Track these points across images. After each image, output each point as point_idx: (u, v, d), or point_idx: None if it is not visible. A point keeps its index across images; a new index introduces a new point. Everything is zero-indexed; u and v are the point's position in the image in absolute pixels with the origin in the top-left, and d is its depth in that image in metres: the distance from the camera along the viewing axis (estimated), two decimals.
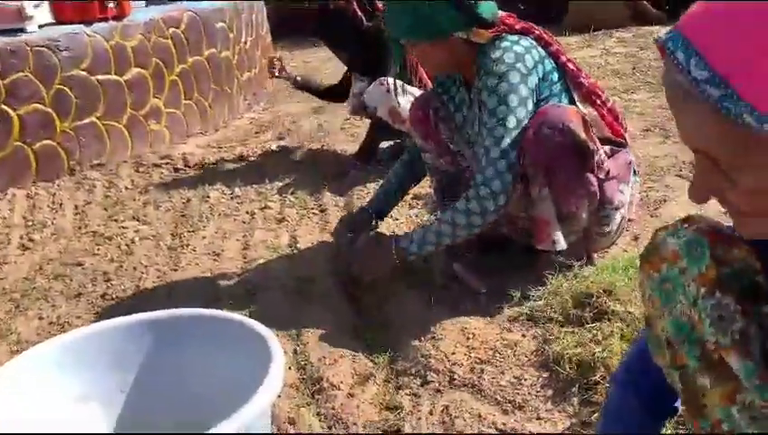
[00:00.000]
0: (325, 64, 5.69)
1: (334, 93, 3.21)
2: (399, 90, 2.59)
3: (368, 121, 3.04)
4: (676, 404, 0.96)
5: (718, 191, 0.65)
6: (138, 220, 2.57)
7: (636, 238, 2.01)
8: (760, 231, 0.66)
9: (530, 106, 1.64)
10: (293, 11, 7.12)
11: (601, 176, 1.68)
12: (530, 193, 1.70)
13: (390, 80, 2.65)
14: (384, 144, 3.02)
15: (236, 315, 1.11)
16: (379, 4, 2.87)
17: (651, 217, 2.15)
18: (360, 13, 2.79)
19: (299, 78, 3.26)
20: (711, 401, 0.74)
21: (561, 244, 1.72)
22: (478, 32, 1.67)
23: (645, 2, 5.87)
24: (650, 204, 2.24)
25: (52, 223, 2.61)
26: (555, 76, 1.70)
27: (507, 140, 1.62)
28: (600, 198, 1.70)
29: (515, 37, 1.68)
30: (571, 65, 1.74)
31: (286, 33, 6.61)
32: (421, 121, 1.93)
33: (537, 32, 1.74)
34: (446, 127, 1.90)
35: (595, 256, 1.87)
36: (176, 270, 2.13)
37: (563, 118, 1.60)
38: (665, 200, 2.25)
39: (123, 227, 2.50)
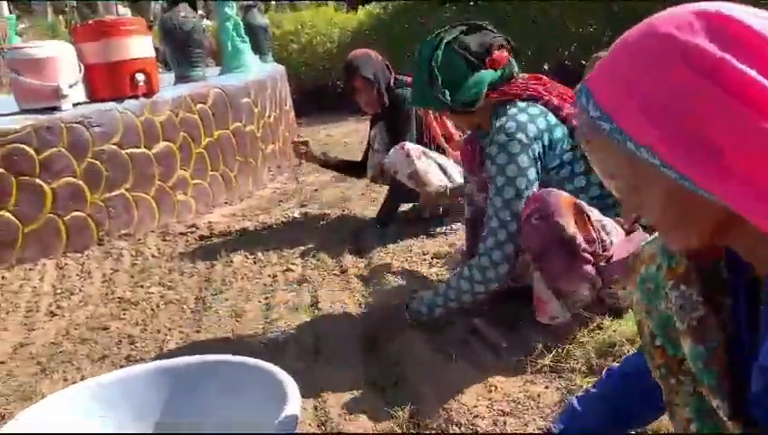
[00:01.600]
0: (347, 138, 5.85)
1: (358, 168, 3.28)
2: (420, 154, 2.67)
3: (386, 188, 3.11)
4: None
5: (639, 210, 0.72)
6: (163, 286, 2.61)
7: None
8: (681, 243, 0.72)
9: (531, 175, 1.67)
10: (315, 88, 7.41)
11: (602, 263, 1.64)
12: None
13: (410, 144, 2.73)
14: (403, 207, 3.07)
15: (253, 360, 1.12)
16: (407, 77, 3.00)
17: None
18: (389, 77, 2.93)
19: (322, 156, 3.33)
20: (680, 399, 0.81)
21: (562, 318, 1.70)
22: (466, 109, 1.76)
23: None
24: None
25: (80, 290, 2.66)
26: (566, 144, 1.72)
27: (506, 211, 1.67)
28: (605, 279, 1.66)
29: (524, 104, 1.72)
30: None
31: (307, 108, 6.85)
32: (467, 155, 2.01)
33: (546, 97, 1.77)
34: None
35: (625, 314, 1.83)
36: (198, 332, 2.15)
37: (554, 209, 1.58)
38: None
39: (149, 293, 2.55)
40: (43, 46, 3.16)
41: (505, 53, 1.79)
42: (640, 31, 0.66)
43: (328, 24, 8.08)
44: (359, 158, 3.37)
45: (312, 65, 7.91)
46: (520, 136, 1.66)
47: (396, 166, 2.74)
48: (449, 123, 2.88)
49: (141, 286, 2.63)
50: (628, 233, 1.72)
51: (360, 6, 8.76)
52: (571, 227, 1.59)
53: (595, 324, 1.74)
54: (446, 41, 1.74)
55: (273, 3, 20.77)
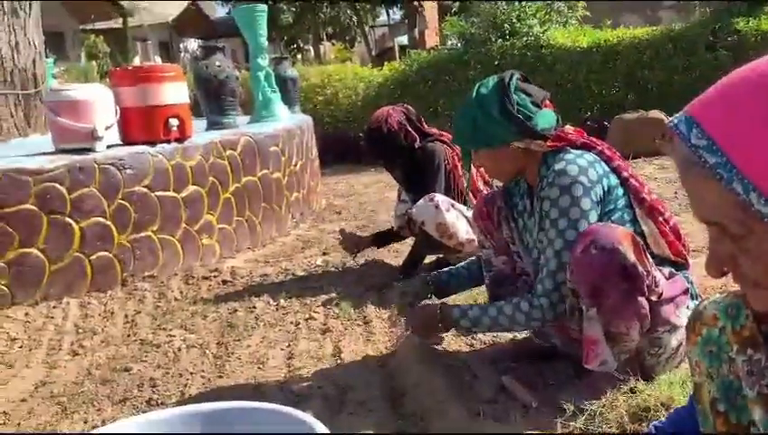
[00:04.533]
0: (369, 187, 5.91)
1: (395, 236, 3.27)
2: (448, 205, 2.67)
3: (410, 239, 3.12)
4: None
5: (731, 262, 0.66)
6: (185, 329, 2.60)
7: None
8: None
9: (592, 219, 1.66)
10: (339, 138, 7.53)
11: (654, 298, 1.63)
12: (581, 308, 1.68)
13: (438, 196, 2.74)
14: (428, 259, 3.06)
15: (283, 407, 1.10)
16: (432, 128, 3.04)
17: None
18: (413, 132, 2.94)
19: (367, 239, 3.29)
20: None
21: (610, 364, 1.66)
22: (536, 142, 1.73)
23: None
24: None
25: (103, 330, 2.66)
26: (620, 191, 1.73)
27: (567, 253, 1.64)
28: (652, 320, 1.64)
29: (578, 151, 1.74)
30: (633, 181, 1.75)
31: (330, 159, 6.95)
32: (484, 217, 1.99)
33: (600, 147, 1.78)
34: (508, 227, 1.94)
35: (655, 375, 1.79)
36: (221, 377, 2.13)
37: (613, 238, 1.57)
38: None
39: (171, 336, 2.54)
40: (81, 89, 3.25)
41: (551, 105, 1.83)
42: (761, 70, 0.62)
43: (353, 77, 8.26)
44: (379, 208, 3.37)
45: (337, 117, 8.06)
46: (582, 179, 1.66)
47: (423, 216, 2.75)
48: (478, 179, 2.89)
49: (164, 329, 2.62)
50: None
51: (386, 62, 8.96)
52: (632, 256, 1.57)
53: (628, 388, 1.69)
54: (511, 82, 1.76)
55: (300, 56, 21.35)
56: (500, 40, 7.16)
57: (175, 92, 3.34)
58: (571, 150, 1.73)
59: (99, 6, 17.77)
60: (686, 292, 1.73)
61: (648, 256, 1.64)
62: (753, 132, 0.59)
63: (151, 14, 20.98)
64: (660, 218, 1.74)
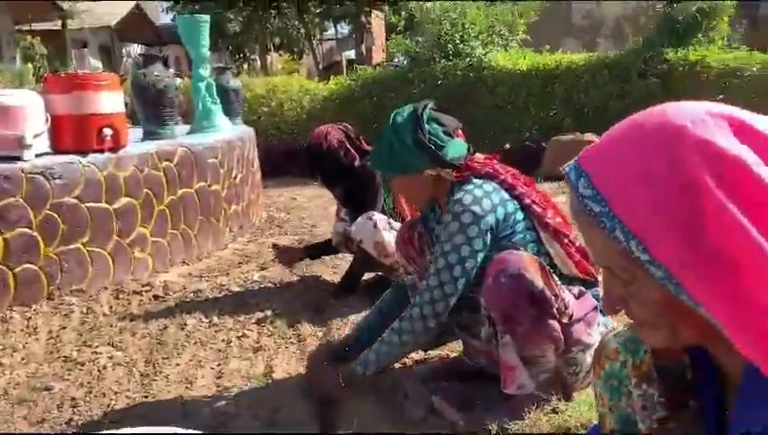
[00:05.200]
0: (312, 201, 5.88)
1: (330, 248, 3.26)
2: (386, 224, 2.69)
3: (349, 255, 3.12)
4: None
5: (622, 303, 0.70)
6: (112, 346, 2.53)
7: None
8: (661, 344, 0.70)
9: (477, 246, 1.72)
10: (283, 151, 7.48)
11: (565, 320, 1.70)
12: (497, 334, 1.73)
13: (377, 215, 2.76)
14: (365, 277, 3.07)
15: (178, 430, 1.09)
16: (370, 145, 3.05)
17: None
18: (353, 151, 2.94)
19: (300, 252, 3.29)
20: None
21: (528, 387, 1.71)
22: (446, 171, 1.81)
23: None
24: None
25: (24, 347, 2.55)
26: (519, 216, 1.79)
27: (446, 273, 1.73)
28: (566, 341, 1.70)
29: (480, 181, 1.80)
30: (535, 207, 1.81)
31: (273, 171, 6.89)
32: (406, 243, 2.04)
33: (503, 176, 1.84)
34: (429, 252, 1.97)
35: (575, 394, 1.85)
36: (146, 397, 2.07)
37: (520, 266, 1.64)
38: None
39: (96, 353, 2.46)
40: (11, 95, 3.13)
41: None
42: (651, 121, 0.64)
43: (299, 90, 8.24)
44: (321, 223, 3.37)
45: (281, 129, 8.01)
46: (474, 208, 1.73)
47: (362, 235, 2.75)
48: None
49: (89, 346, 2.53)
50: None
51: (333, 76, 8.99)
52: (539, 281, 1.63)
53: (550, 408, 1.74)
54: (424, 112, 1.80)
55: (246, 66, 21.14)
56: (443, 60, 7.28)
57: (110, 101, 3.26)
58: (474, 180, 1.80)
59: (37, 7, 17.15)
60: (595, 309, 1.81)
61: (556, 280, 1.71)
62: (632, 186, 0.62)
63: (93, 17, 20.38)
64: (566, 240, 1.80)
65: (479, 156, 1.91)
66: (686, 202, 0.59)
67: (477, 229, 1.72)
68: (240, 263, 3.77)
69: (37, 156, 3.08)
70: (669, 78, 6.58)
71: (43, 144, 3.15)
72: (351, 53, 20.30)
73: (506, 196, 1.79)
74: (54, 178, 3.03)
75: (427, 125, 1.79)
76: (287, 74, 16.19)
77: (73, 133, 3.19)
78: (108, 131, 3.20)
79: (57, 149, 3.21)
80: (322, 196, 6.04)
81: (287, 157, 7.42)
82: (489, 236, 1.74)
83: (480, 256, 1.73)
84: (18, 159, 3.00)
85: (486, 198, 1.75)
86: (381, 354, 1.83)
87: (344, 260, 3.34)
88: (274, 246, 3.31)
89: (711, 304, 0.59)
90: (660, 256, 0.61)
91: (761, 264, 0.57)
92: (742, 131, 0.61)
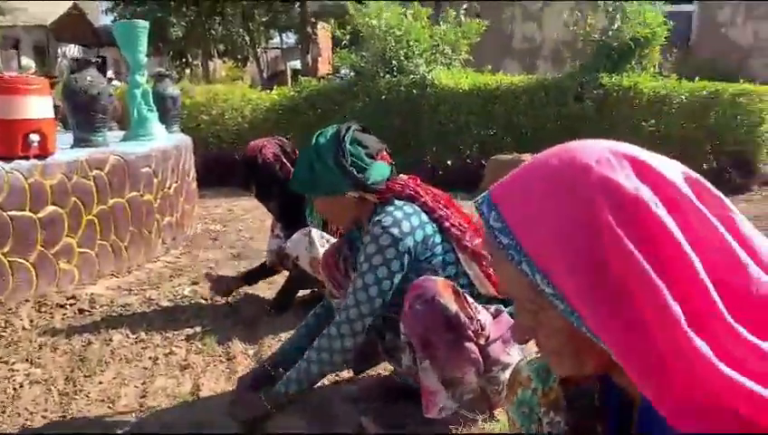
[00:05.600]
0: (249, 213, 5.80)
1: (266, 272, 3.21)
2: (322, 240, 2.68)
3: (285, 272, 3.08)
4: None
5: (531, 332, 0.72)
6: (30, 362, 2.42)
7: None
8: (568, 372, 0.72)
9: (394, 267, 1.74)
10: (222, 161, 7.36)
11: (482, 341, 1.73)
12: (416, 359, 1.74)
13: (314, 231, 2.74)
14: (300, 293, 3.04)
15: None
16: None
17: None
18: (288, 165, 2.91)
19: (235, 280, 3.18)
20: None
21: (450, 409, 1.74)
22: (368, 193, 1.82)
23: None
24: None
25: None
26: (437, 238, 1.82)
27: (363, 293, 1.75)
28: (485, 361, 1.74)
29: (401, 203, 1.82)
30: (454, 230, 1.83)
31: (212, 180, 6.77)
32: (331, 267, 2.02)
33: (423, 199, 1.86)
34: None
35: (496, 412, 1.88)
36: (64, 417, 1.99)
37: (434, 291, 1.67)
38: None
39: (13, 370, 2.34)
40: None
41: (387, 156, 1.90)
42: (558, 158, 0.67)
43: (241, 99, 8.13)
44: (257, 236, 3.32)
45: (222, 138, 7.88)
46: (393, 230, 1.74)
47: (298, 251, 2.73)
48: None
49: (5, 362, 2.42)
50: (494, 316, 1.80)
51: (277, 86, 8.92)
52: (453, 305, 1.67)
53: (477, 428, 1.76)
54: (347, 134, 1.80)
55: (188, 72, 20.79)
56: (388, 75, 7.33)
57: (38, 106, 3.14)
58: (396, 202, 1.82)
59: None
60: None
61: (471, 302, 1.73)
62: (537, 220, 0.65)
63: (27, 15, 19.64)
64: (484, 262, 1.84)
65: (402, 177, 1.93)
66: (588, 238, 0.61)
67: (395, 251, 1.73)
68: (171, 276, 3.67)
69: None
70: (604, 102, 6.82)
71: None
72: (297, 63, 20.23)
73: (426, 218, 1.81)
74: None
75: (350, 147, 1.80)
76: (231, 81, 15.99)
77: None
78: (35, 137, 3.08)
79: None
80: (260, 207, 5.94)
81: (226, 167, 7.30)
82: (407, 257, 1.75)
83: (397, 278, 1.75)
84: None
85: (406, 220, 1.76)
86: (301, 373, 1.82)
87: (281, 276, 3.31)
88: (207, 275, 3.23)
89: (607, 337, 0.61)
90: (562, 289, 0.63)
91: (654, 300, 0.59)
92: (641, 171, 0.64)
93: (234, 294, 3.23)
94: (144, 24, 4.33)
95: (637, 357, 0.60)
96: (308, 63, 16.70)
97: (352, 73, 8.12)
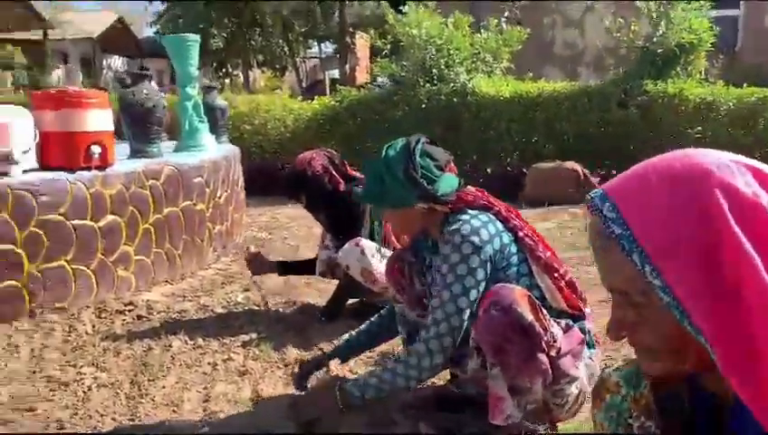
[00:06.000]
0: (294, 221, 5.88)
1: (312, 266, 3.25)
2: (373, 251, 2.72)
3: (333, 279, 3.14)
4: None
5: (630, 328, 0.74)
6: (96, 366, 2.51)
7: None
8: (662, 370, 0.74)
9: (479, 276, 1.75)
10: (265, 170, 7.48)
11: (553, 353, 1.72)
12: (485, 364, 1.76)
13: (364, 241, 2.78)
14: (350, 301, 3.09)
15: None
16: (357, 172, 3.08)
17: None
18: (337, 176, 2.97)
19: (275, 264, 3.28)
20: None
21: (515, 418, 1.75)
22: (438, 204, 1.84)
23: (594, 182, 6.36)
24: None
25: (6, 366, 2.52)
26: (513, 248, 1.83)
27: (451, 306, 1.75)
28: (553, 373, 1.73)
29: (475, 211, 1.84)
30: (528, 240, 1.85)
31: (255, 189, 6.89)
32: (395, 274, 2.04)
33: (497, 208, 1.89)
34: (419, 282, 2.00)
35: (559, 424, 1.89)
36: (133, 420, 2.07)
37: (511, 299, 1.67)
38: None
39: (81, 373, 2.44)
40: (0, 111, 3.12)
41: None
42: (679, 161, 0.70)
43: (283, 109, 8.26)
44: (303, 244, 3.38)
45: (264, 147, 8.02)
46: (473, 238, 1.76)
47: (349, 261, 2.77)
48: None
49: (73, 365, 2.51)
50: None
51: (317, 96, 9.04)
52: (530, 315, 1.66)
53: None
54: (417, 147, 1.84)
55: (228, 81, 21.15)
56: (428, 84, 7.37)
57: (99, 119, 3.26)
58: (469, 211, 1.83)
59: (18, 16, 17.02)
60: (582, 342, 1.84)
61: (545, 314, 1.74)
62: (653, 213, 0.68)
63: (74, 28, 20.28)
64: (555, 275, 1.84)
65: (470, 188, 1.95)
66: (704, 233, 0.64)
67: (478, 259, 1.75)
68: (223, 283, 3.77)
69: (25, 172, 3.07)
70: (649, 109, 6.74)
71: (32, 160, 3.13)
72: (335, 73, 20.44)
73: (501, 227, 1.82)
74: (40, 195, 3.01)
75: (419, 159, 1.82)
76: (269, 91, 16.23)
77: (61, 150, 3.18)
78: (96, 149, 3.20)
79: (45, 165, 3.20)
80: (304, 216, 6.03)
81: (269, 176, 7.42)
82: (489, 266, 1.76)
83: (482, 287, 1.75)
84: (5, 174, 2.98)
85: (484, 228, 1.78)
86: (384, 382, 1.81)
87: (330, 284, 3.36)
88: (247, 249, 3.32)
89: (711, 335, 0.64)
90: (672, 283, 0.65)
91: (764, 300, 0.62)
92: (761, 179, 0.67)
93: (285, 301, 3.30)
94: (195, 38, 4.46)
95: (738, 353, 0.62)
96: (346, 72, 16.86)
97: (388, 83, 8.19)
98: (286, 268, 3.31)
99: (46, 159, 3.20)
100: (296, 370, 2.18)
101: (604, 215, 0.71)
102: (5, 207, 2.90)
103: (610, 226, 0.70)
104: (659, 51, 6.93)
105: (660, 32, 6.94)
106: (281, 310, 3.20)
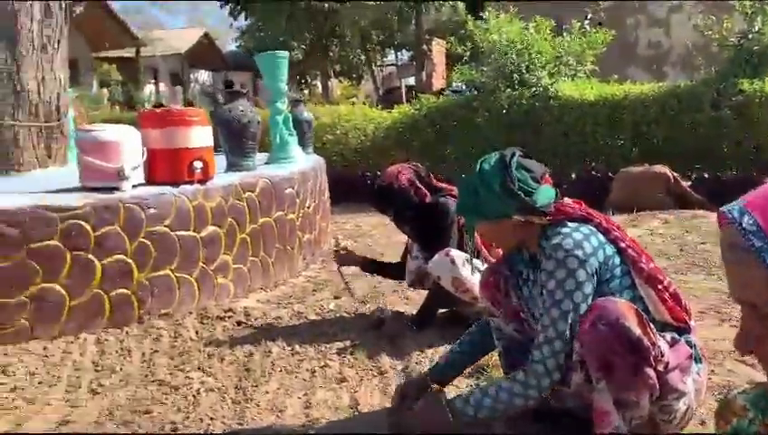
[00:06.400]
0: (376, 229, 5.97)
1: (397, 270, 3.34)
2: (463, 260, 2.74)
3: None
4: None
5: (759, 341, 0.74)
6: (203, 371, 2.65)
7: (702, 423, 2.00)
8: None
9: (587, 290, 1.73)
10: (347, 178, 7.64)
11: (660, 368, 1.69)
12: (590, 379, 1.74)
13: (454, 251, 2.81)
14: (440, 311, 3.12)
15: None
16: (442, 183, 3.12)
17: (716, 401, 2.14)
18: (423, 189, 3.01)
19: (362, 259, 3.40)
20: None
21: (622, 431, 1.72)
22: (536, 217, 1.82)
23: (685, 186, 6.13)
24: (714, 388, 2.23)
25: (121, 369, 2.71)
26: (616, 260, 1.80)
27: (563, 322, 1.73)
28: (661, 388, 1.69)
29: (575, 224, 1.81)
30: (631, 251, 1.82)
31: (338, 197, 7.04)
32: (490, 287, 2.05)
33: (597, 219, 1.86)
34: (515, 295, 2.01)
35: None
36: (241, 424, 2.17)
37: (618, 313, 1.64)
38: (728, 386, 2.24)
39: (189, 378, 2.58)
40: (111, 130, 3.35)
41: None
42: None
43: (363, 118, 8.41)
44: (387, 251, 3.44)
45: (345, 156, 8.19)
46: (578, 252, 1.74)
47: (439, 271, 2.81)
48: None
49: (181, 370, 2.66)
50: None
51: (394, 104, 9.15)
52: (637, 329, 1.64)
53: None
54: (513, 159, 1.85)
55: (307, 92, 21.65)
56: (508, 89, 7.32)
57: (200, 136, 3.44)
58: (569, 223, 1.81)
59: (114, 35, 18.11)
60: (690, 357, 1.79)
61: (652, 328, 1.70)
62: None
63: (164, 45, 21.35)
64: (659, 286, 1.80)
65: (567, 200, 1.94)
66: None
67: (585, 273, 1.73)
68: (314, 290, 3.88)
69: (134, 187, 3.28)
70: (744, 109, 6.44)
71: (140, 176, 3.35)
72: (411, 80, 20.57)
73: (603, 239, 1.81)
74: (148, 208, 3.22)
75: (516, 172, 1.83)
76: (346, 100, 16.51)
77: (166, 166, 3.38)
78: (198, 164, 3.38)
79: (151, 180, 3.41)
80: (387, 224, 6.12)
81: (350, 184, 7.58)
82: (595, 279, 1.75)
83: (590, 301, 1.74)
84: (117, 189, 3.20)
85: (586, 241, 1.76)
86: (498, 402, 1.80)
87: (417, 293, 3.41)
88: (336, 241, 3.43)
89: None
90: None
91: None
92: None
93: (370, 307, 3.38)
94: (284, 54, 4.62)
95: None
96: (422, 79, 16.93)
97: (464, 88, 8.18)
98: (371, 265, 3.40)
99: (153, 174, 3.41)
100: (397, 387, 2.16)
101: (743, 228, 0.72)
102: (118, 220, 3.11)
103: (750, 238, 0.71)
104: (755, 48, 6.61)
105: (756, 28, 6.62)
106: (371, 317, 3.25)
